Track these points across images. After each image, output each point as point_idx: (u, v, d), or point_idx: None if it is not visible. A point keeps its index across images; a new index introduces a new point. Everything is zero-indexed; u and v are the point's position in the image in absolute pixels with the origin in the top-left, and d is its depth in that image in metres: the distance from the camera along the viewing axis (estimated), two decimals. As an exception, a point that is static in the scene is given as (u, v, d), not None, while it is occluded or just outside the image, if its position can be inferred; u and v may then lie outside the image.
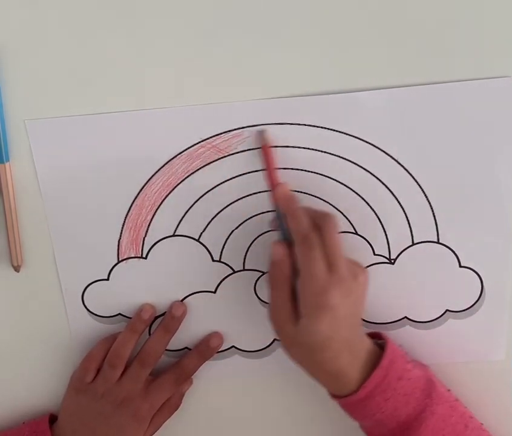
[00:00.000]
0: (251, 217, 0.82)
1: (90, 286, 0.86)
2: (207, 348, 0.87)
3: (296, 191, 0.80)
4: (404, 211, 0.81)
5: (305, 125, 0.77)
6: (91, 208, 0.82)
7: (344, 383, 0.78)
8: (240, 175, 0.80)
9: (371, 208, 0.81)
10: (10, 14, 0.73)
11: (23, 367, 0.92)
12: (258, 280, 0.86)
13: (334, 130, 0.78)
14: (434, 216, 0.81)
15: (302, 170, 0.80)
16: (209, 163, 0.79)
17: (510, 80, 0.75)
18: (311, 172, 0.80)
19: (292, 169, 0.80)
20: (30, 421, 0.90)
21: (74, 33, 0.74)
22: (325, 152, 0.79)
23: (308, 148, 0.79)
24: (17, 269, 0.84)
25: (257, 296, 0.86)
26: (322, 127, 0.78)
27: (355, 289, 0.74)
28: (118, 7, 0.73)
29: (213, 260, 0.85)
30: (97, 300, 0.87)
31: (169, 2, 0.73)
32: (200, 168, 0.80)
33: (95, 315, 0.87)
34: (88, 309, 0.87)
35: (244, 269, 0.85)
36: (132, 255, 0.84)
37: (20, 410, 0.94)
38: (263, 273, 0.85)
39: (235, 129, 0.78)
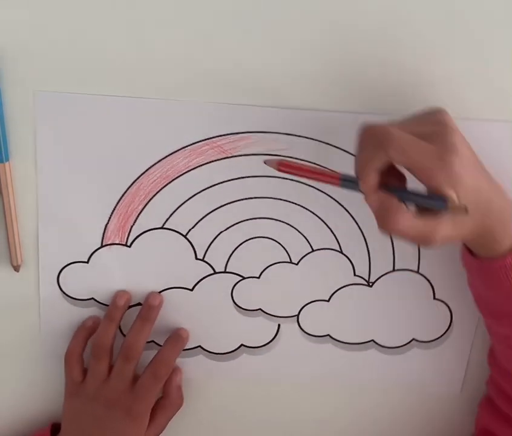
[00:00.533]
0: (241, 222, 0.83)
1: (68, 267, 0.85)
2: (178, 337, 0.87)
3: (288, 201, 0.81)
4: (391, 236, 0.83)
5: (308, 138, 0.79)
6: (84, 188, 0.81)
7: (492, 244, 0.72)
8: (239, 178, 0.81)
9: (359, 227, 0.83)
10: (10, 14, 0.73)
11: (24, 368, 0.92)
12: (236, 284, 0.86)
13: (333, 146, 0.79)
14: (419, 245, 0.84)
15: (298, 181, 0.81)
16: (210, 162, 0.80)
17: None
18: (306, 184, 0.81)
19: (287, 179, 0.81)
20: (33, 433, 0.91)
21: (77, 27, 0.74)
22: (322, 166, 0.80)
23: (308, 161, 0.80)
24: (16, 268, 0.84)
25: (233, 300, 0.87)
26: (324, 142, 0.79)
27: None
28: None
29: (196, 258, 0.85)
30: (73, 281, 0.86)
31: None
32: (201, 165, 0.80)
33: (68, 296, 0.86)
34: (61, 289, 0.86)
35: (225, 271, 0.85)
36: (117, 242, 0.84)
37: (23, 414, 0.95)
38: (243, 278, 0.86)
39: (242, 133, 0.79)
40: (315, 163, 0.80)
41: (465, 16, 0.74)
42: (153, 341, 0.90)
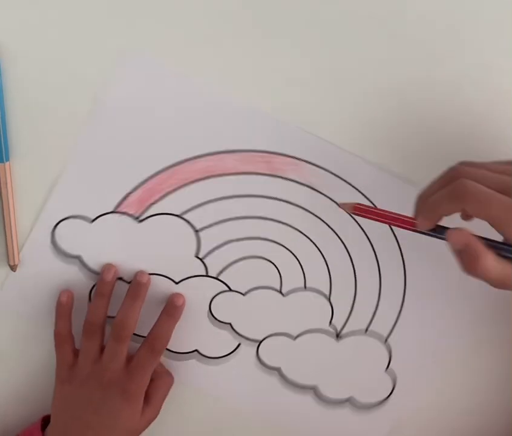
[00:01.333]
0: (252, 238, 0.86)
1: (70, 219, 0.84)
2: (174, 307, 0.86)
3: (303, 234, 0.85)
4: (377, 306, 0.90)
5: (353, 186, 0.84)
6: (127, 148, 0.81)
7: None
8: (271, 198, 0.84)
9: (355, 280, 0.88)
10: (11, 12, 0.74)
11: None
12: (220, 293, 0.88)
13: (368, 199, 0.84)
14: (398, 317, 0.90)
15: (320, 219, 0.85)
16: (256, 173, 0.82)
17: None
18: (325, 223, 0.86)
19: (313, 214, 0.85)
20: (23, 431, 0.87)
21: (82, 23, 0.76)
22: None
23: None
24: (13, 268, 0.83)
25: (209, 306, 0.89)
26: (362, 194, 0.85)
27: None
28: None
29: (195, 256, 0.86)
30: (68, 235, 0.84)
31: None
32: (245, 173, 0.82)
33: (55, 245, 0.85)
34: (53, 238, 0.84)
35: (215, 278, 0.88)
36: (131, 213, 0.83)
37: (21, 413, 0.93)
38: (229, 290, 0.88)
39: (295, 158, 0.82)
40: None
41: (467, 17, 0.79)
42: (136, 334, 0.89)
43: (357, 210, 0.77)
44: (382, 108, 0.82)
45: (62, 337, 0.86)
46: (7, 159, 0.79)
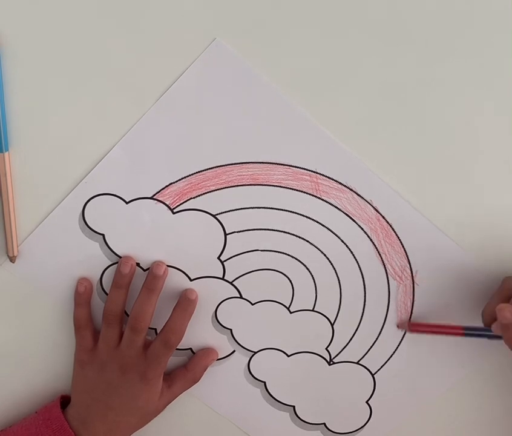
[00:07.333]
0: (278, 252, 0.87)
1: (106, 196, 0.83)
2: (188, 301, 0.86)
3: (327, 258, 0.87)
4: (374, 343, 0.92)
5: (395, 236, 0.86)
6: (181, 140, 0.81)
7: None
8: (310, 218, 0.85)
9: (361, 319, 0.90)
10: (12, 2, 0.75)
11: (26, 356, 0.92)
12: (229, 299, 0.89)
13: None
14: (390, 358, 0.93)
15: (349, 250, 0.87)
16: (300, 191, 0.83)
17: None
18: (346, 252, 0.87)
19: (345, 245, 0.86)
20: (42, 408, 0.88)
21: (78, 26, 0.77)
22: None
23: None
24: (12, 259, 0.83)
25: (215, 310, 0.89)
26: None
27: None
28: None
29: (217, 257, 0.86)
30: (99, 211, 0.83)
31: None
32: (291, 189, 0.83)
33: (84, 220, 0.84)
34: (84, 210, 0.83)
35: (230, 283, 0.88)
36: (167, 203, 0.82)
37: (31, 397, 0.93)
38: (240, 297, 0.89)
39: (343, 185, 0.83)
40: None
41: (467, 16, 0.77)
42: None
43: (413, 327, 0.88)
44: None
45: (81, 323, 0.86)
46: (6, 149, 0.78)
